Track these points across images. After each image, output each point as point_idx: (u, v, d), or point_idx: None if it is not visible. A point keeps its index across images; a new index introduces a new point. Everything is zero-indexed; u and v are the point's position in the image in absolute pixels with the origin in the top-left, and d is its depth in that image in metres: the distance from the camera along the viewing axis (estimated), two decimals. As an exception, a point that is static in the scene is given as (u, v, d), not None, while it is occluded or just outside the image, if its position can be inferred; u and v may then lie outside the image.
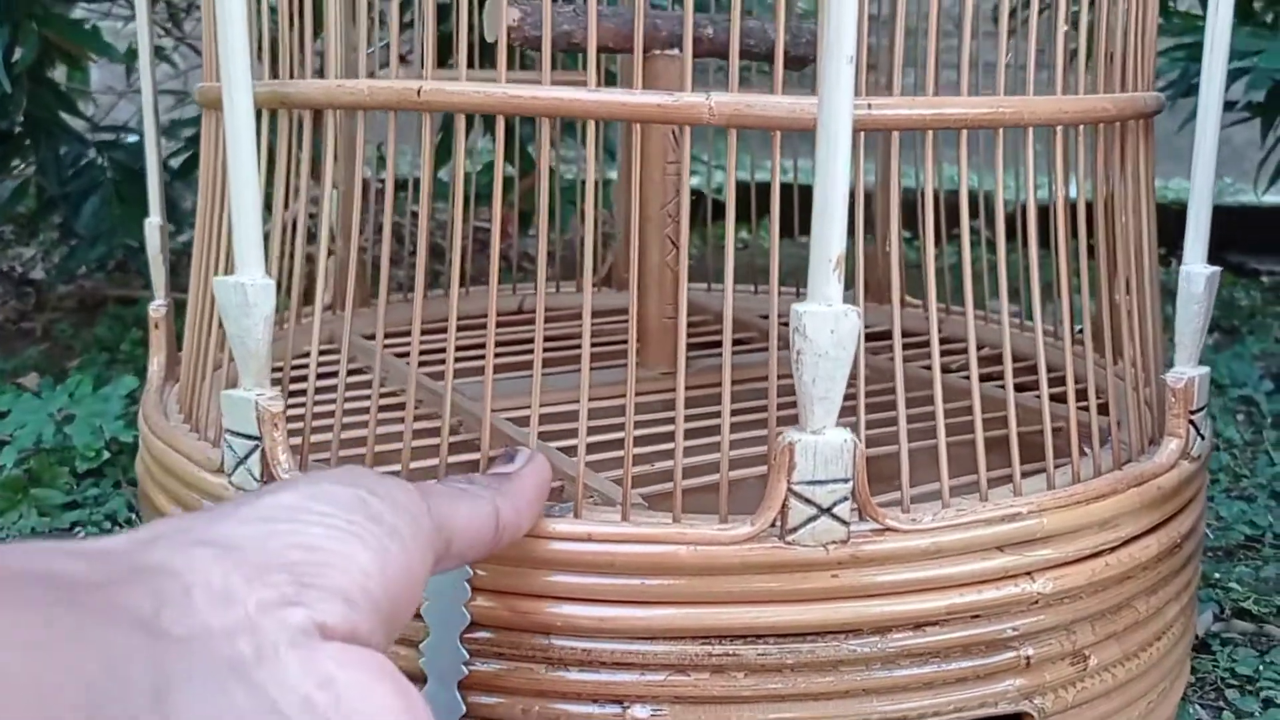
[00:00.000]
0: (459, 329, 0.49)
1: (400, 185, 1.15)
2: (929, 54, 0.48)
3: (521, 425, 0.60)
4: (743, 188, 0.97)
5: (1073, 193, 0.54)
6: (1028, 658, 0.48)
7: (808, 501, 0.44)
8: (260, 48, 0.55)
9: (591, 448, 0.52)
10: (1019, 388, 0.52)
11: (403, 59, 1.04)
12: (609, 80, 0.97)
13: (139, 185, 1.13)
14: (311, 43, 0.53)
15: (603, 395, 0.62)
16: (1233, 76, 0.92)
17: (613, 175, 1.10)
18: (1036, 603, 0.48)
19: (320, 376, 0.52)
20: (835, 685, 0.46)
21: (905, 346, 0.50)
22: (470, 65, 0.47)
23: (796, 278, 0.76)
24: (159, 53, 1.31)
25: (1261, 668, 0.67)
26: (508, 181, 1.06)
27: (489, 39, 0.58)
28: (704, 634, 0.45)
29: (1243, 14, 1.18)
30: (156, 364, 0.69)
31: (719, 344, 0.47)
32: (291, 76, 0.54)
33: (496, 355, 0.49)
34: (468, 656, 0.45)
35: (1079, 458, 0.52)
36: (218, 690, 0.25)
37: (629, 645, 0.45)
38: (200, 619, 0.26)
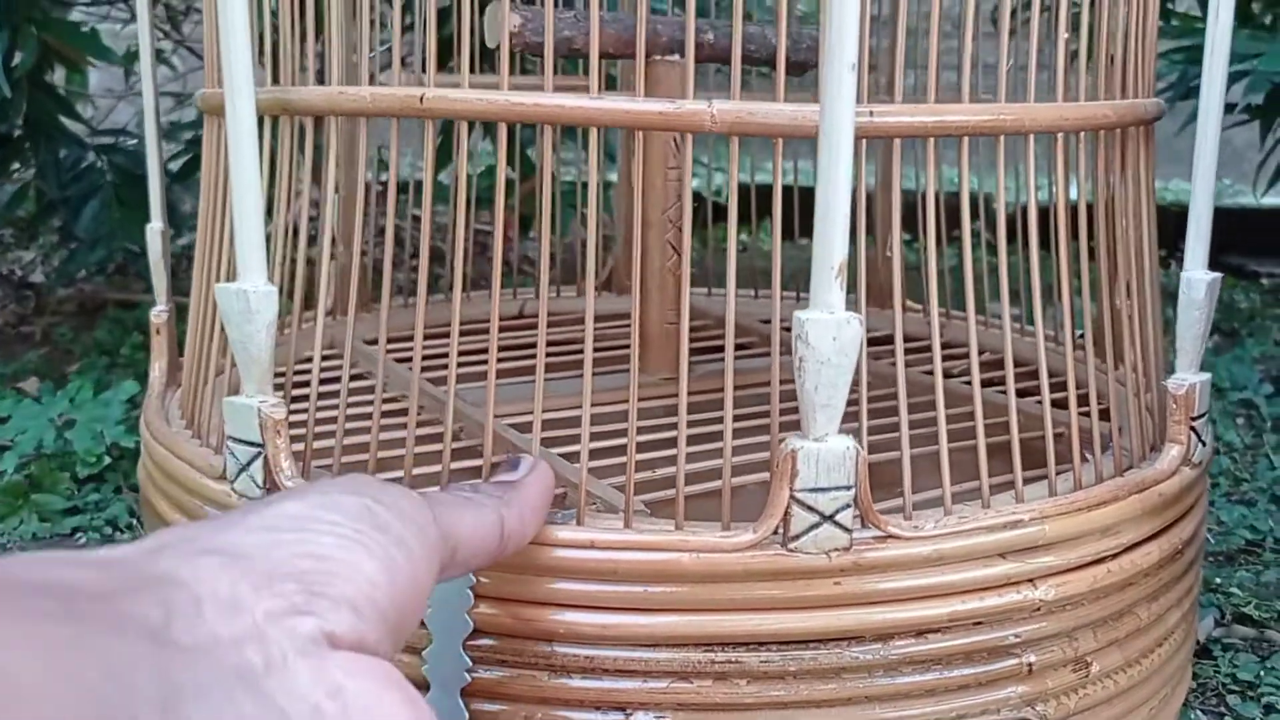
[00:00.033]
0: (460, 334, 0.49)
1: (400, 188, 1.15)
2: (930, 58, 0.48)
3: (524, 431, 0.60)
4: (742, 189, 0.97)
5: (1073, 195, 0.54)
6: (1030, 664, 0.48)
7: (810, 509, 0.44)
8: (261, 50, 0.54)
9: (593, 454, 0.52)
10: (1020, 393, 0.52)
11: (402, 61, 1.04)
12: (608, 83, 0.97)
13: (139, 188, 1.13)
14: (313, 45, 0.53)
15: (604, 401, 0.62)
16: (1232, 79, 0.92)
17: (613, 178, 1.10)
18: (1038, 609, 0.48)
19: (322, 382, 0.52)
20: (838, 692, 0.46)
21: (906, 351, 0.50)
22: (471, 67, 0.47)
23: (797, 280, 0.77)
24: (158, 55, 1.31)
25: (1263, 673, 0.67)
26: (508, 185, 1.06)
27: (490, 45, 0.58)
28: (707, 641, 0.45)
29: (1241, 16, 1.18)
30: (158, 369, 0.69)
31: (720, 349, 0.47)
32: (293, 81, 0.54)
33: (498, 360, 0.49)
34: (470, 663, 0.45)
35: (1080, 464, 0.52)
36: (227, 700, 0.25)
37: (632, 652, 0.45)
38: (208, 628, 0.26)
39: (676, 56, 0.63)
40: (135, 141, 1.25)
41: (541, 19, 0.54)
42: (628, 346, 0.53)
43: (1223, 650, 0.69)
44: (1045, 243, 0.54)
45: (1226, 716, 0.63)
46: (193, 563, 0.28)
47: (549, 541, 0.45)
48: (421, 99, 0.47)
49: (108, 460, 0.91)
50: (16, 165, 1.23)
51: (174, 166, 1.22)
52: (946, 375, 0.53)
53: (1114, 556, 0.50)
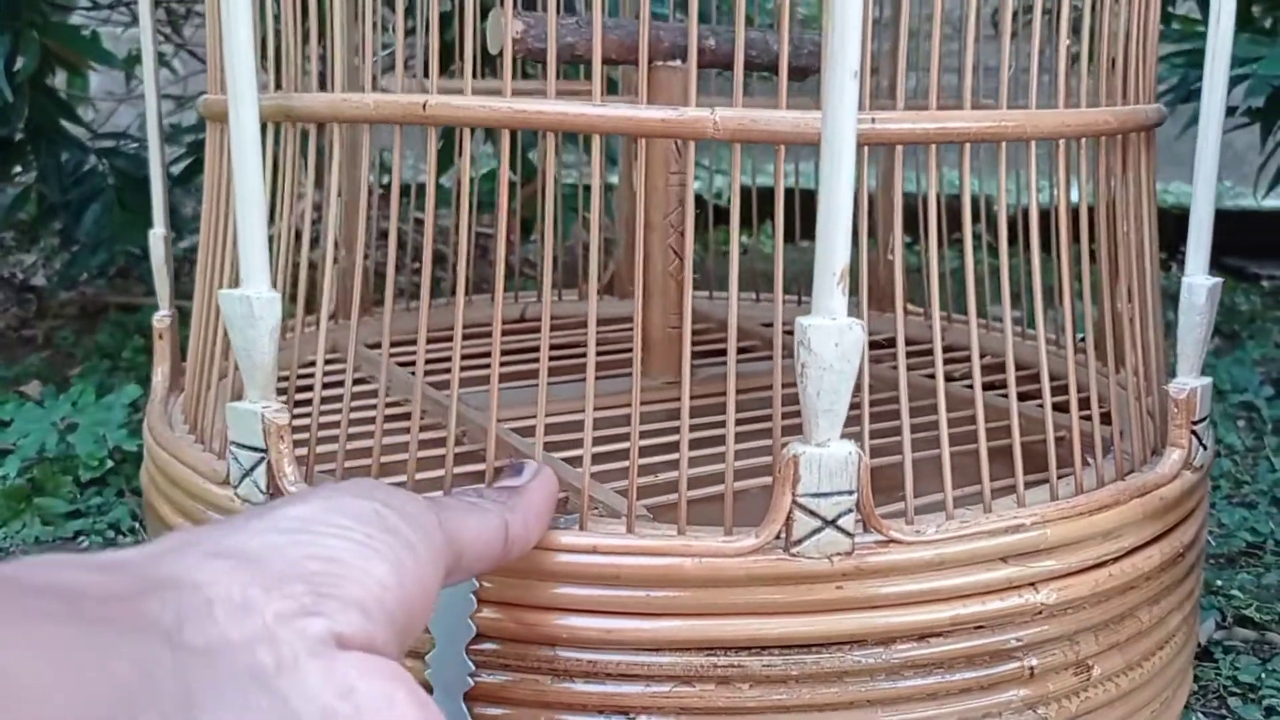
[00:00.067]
0: (462, 338, 0.50)
1: (402, 190, 1.15)
2: (932, 64, 0.49)
3: (526, 435, 0.60)
4: (743, 191, 0.97)
5: (1074, 198, 0.54)
6: (1031, 668, 0.48)
7: (812, 514, 0.44)
8: (264, 53, 0.55)
9: (596, 458, 0.52)
10: (1022, 396, 0.52)
11: (405, 64, 1.04)
12: (610, 87, 0.97)
13: (140, 192, 1.14)
14: (316, 48, 0.53)
15: (606, 405, 0.62)
16: (1233, 83, 0.92)
17: (614, 180, 1.10)
18: (1040, 613, 0.48)
19: (325, 386, 0.52)
20: (840, 696, 0.46)
21: (908, 355, 0.50)
22: (474, 71, 0.48)
23: (799, 283, 0.77)
24: (159, 58, 1.31)
25: (1264, 675, 0.67)
26: (510, 188, 1.06)
27: (492, 51, 0.58)
28: (709, 645, 0.45)
29: (1242, 19, 1.18)
30: (161, 374, 0.69)
31: (721, 352, 0.48)
32: (296, 84, 0.55)
33: (500, 364, 0.49)
34: (473, 668, 0.45)
35: (1082, 468, 0.52)
36: (240, 700, 0.26)
37: (634, 657, 0.45)
38: (220, 630, 0.27)
39: (678, 62, 0.63)
40: (136, 145, 1.26)
41: (543, 25, 0.54)
42: (630, 350, 0.53)
43: (1224, 653, 0.69)
44: (1046, 245, 0.54)
45: (1228, 719, 0.63)
46: (203, 565, 0.28)
47: (552, 546, 0.45)
48: (424, 106, 0.47)
49: (110, 464, 0.91)
50: (18, 169, 1.23)
51: (175, 170, 1.22)
52: (948, 379, 0.53)
53: (1115, 560, 0.51)
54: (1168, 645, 0.54)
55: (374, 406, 0.52)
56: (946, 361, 0.52)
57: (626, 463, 0.48)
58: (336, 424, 0.52)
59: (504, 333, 0.49)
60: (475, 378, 0.64)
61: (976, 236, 0.84)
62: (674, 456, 0.48)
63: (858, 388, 0.44)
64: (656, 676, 0.45)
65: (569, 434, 0.57)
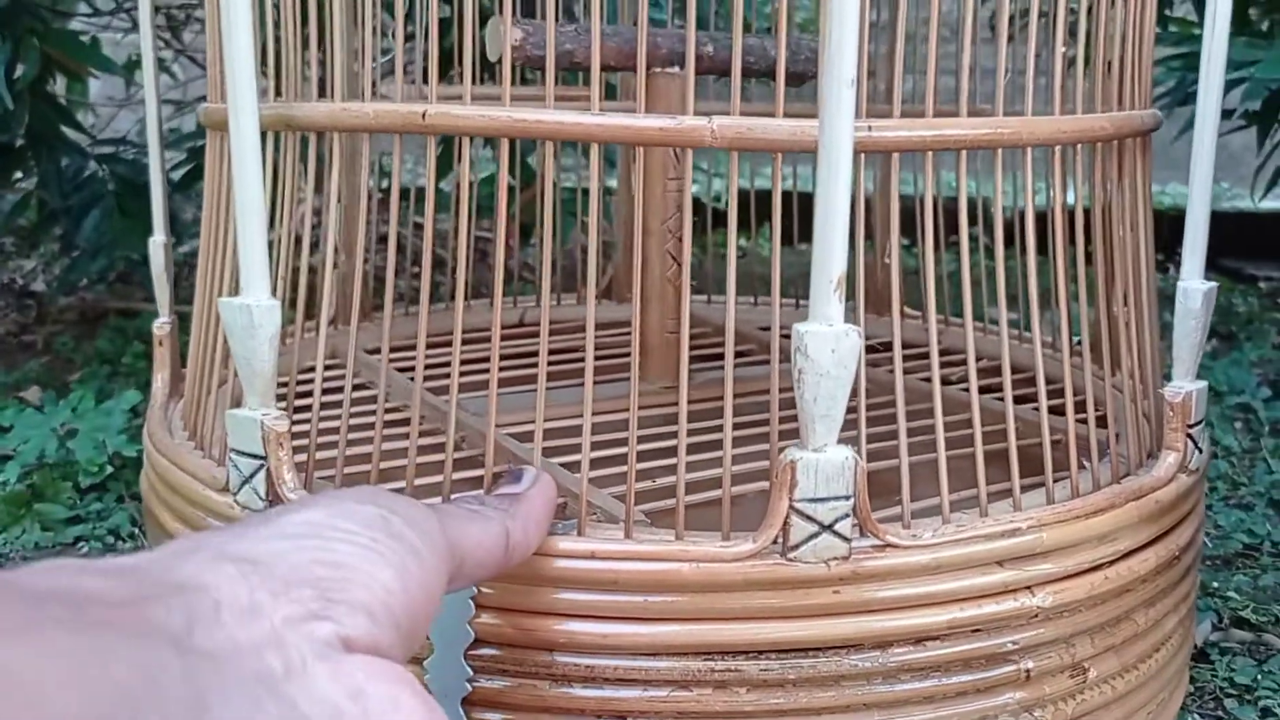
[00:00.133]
0: (461, 342, 0.50)
1: (401, 194, 1.15)
2: (929, 69, 0.49)
3: (524, 441, 0.60)
4: (742, 194, 0.97)
5: (1070, 200, 0.55)
6: (1027, 671, 0.49)
7: (809, 519, 0.44)
8: (263, 60, 0.55)
9: (594, 463, 0.52)
10: (1018, 400, 0.52)
11: (404, 69, 1.04)
12: (608, 92, 0.97)
13: (140, 198, 1.14)
14: (316, 54, 0.54)
15: (604, 410, 0.63)
16: (1230, 86, 0.92)
17: (612, 183, 1.10)
18: (1036, 617, 0.48)
19: (324, 392, 0.53)
20: (836, 700, 0.46)
21: (905, 359, 0.50)
22: (473, 76, 0.48)
23: (796, 286, 0.77)
24: (159, 64, 1.32)
25: (1260, 677, 0.67)
26: (509, 193, 1.06)
27: (491, 58, 0.58)
28: (706, 650, 0.46)
29: (1239, 22, 1.18)
30: (160, 381, 0.69)
31: (719, 356, 0.48)
32: (296, 90, 0.55)
33: (499, 369, 0.49)
34: (471, 673, 0.46)
35: (1078, 471, 0.53)
36: (250, 704, 0.26)
37: (632, 661, 0.45)
38: (228, 634, 0.27)
39: (676, 69, 0.64)
40: (136, 151, 1.26)
41: (542, 33, 0.54)
42: (628, 355, 0.53)
43: (1220, 654, 0.69)
44: (1043, 248, 0.54)
45: (1224, 721, 0.64)
46: (211, 570, 0.28)
47: (550, 552, 0.45)
48: (424, 115, 0.47)
49: (110, 469, 0.91)
50: (18, 175, 1.23)
51: (175, 175, 1.22)
52: (945, 382, 0.53)
53: (1111, 563, 0.51)
54: (1164, 647, 0.55)
55: (373, 412, 0.52)
56: (943, 365, 0.52)
57: (624, 468, 0.48)
58: (336, 430, 0.52)
59: (503, 337, 0.49)
60: (475, 383, 0.64)
61: (974, 239, 0.84)
62: (672, 461, 0.48)
63: (854, 392, 0.44)
64: (654, 681, 0.45)
65: (567, 439, 0.58)
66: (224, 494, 0.52)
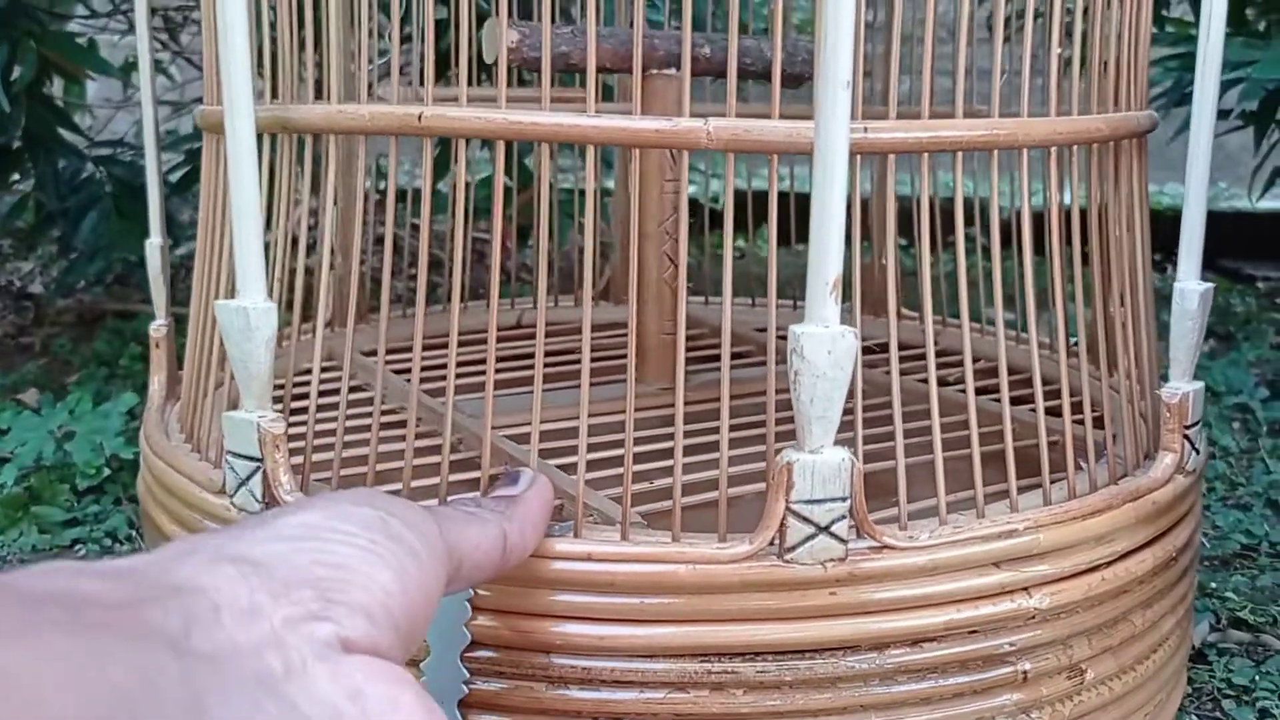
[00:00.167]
0: (458, 344, 0.50)
1: (399, 195, 1.15)
2: (925, 72, 0.49)
3: (521, 443, 0.60)
4: (739, 195, 0.97)
5: (1066, 199, 0.55)
6: (1024, 672, 0.48)
7: (806, 520, 0.44)
8: (260, 62, 0.55)
9: (591, 465, 0.52)
10: (1014, 401, 0.52)
11: (401, 70, 1.04)
12: (605, 93, 0.97)
13: (137, 200, 1.14)
14: (312, 57, 0.54)
15: (601, 411, 0.63)
16: (1227, 86, 0.92)
17: (609, 184, 1.10)
18: (1033, 618, 0.48)
19: (320, 394, 0.52)
20: (833, 701, 0.46)
21: (902, 360, 0.50)
22: (469, 77, 0.48)
23: (794, 286, 0.77)
24: (156, 66, 1.32)
25: (1258, 678, 0.67)
26: (506, 194, 1.06)
27: (488, 60, 0.58)
28: (703, 652, 0.45)
29: (1236, 22, 1.18)
30: (157, 383, 0.69)
31: (717, 358, 0.48)
32: (292, 92, 0.55)
33: (495, 371, 0.49)
34: (468, 675, 0.46)
35: (1075, 472, 0.53)
36: (250, 705, 0.26)
37: (629, 663, 0.45)
38: (228, 635, 0.27)
39: (673, 70, 0.64)
40: (134, 153, 1.26)
41: (539, 34, 0.54)
42: (624, 356, 0.53)
43: (1218, 655, 0.69)
44: (1040, 249, 0.54)
45: (1222, 722, 0.64)
46: (209, 571, 0.28)
47: (547, 554, 0.45)
48: (420, 117, 0.47)
49: (107, 472, 0.91)
50: (16, 177, 1.23)
51: (173, 177, 1.22)
52: (941, 383, 0.53)
53: (1108, 564, 0.51)
54: (1161, 648, 0.54)
55: (370, 414, 0.52)
56: (940, 366, 0.52)
57: (621, 469, 0.48)
58: (332, 432, 0.52)
59: (500, 339, 0.49)
60: (471, 384, 0.64)
61: (970, 240, 0.84)
62: (668, 463, 0.48)
63: (851, 393, 0.44)
64: (651, 683, 0.45)
65: (564, 441, 0.57)
66: (220, 496, 0.52)
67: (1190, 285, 0.56)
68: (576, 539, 0.46)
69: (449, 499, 0.47)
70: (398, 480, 0.51)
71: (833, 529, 0.45)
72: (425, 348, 0.51)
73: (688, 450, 0.48)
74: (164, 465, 0.58)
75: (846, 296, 0.45)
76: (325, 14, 0.51)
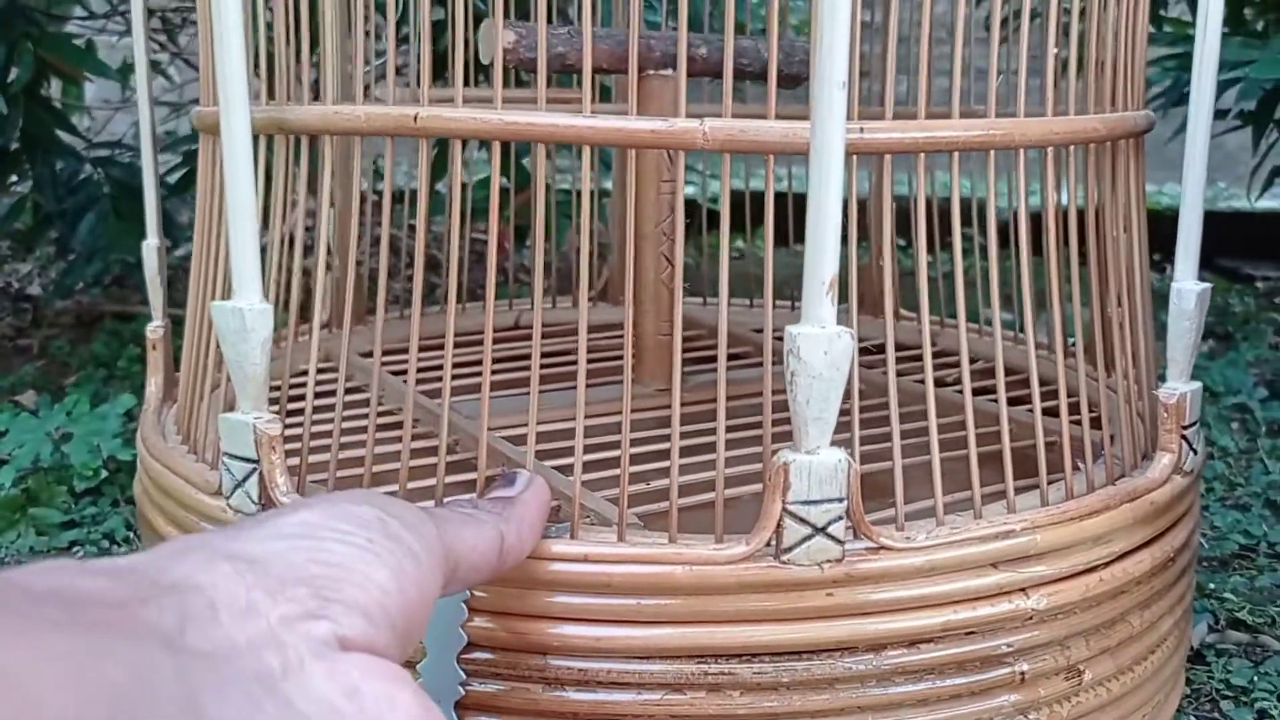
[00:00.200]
0: (455, 345, 0.50)
1: (396, 196, 1.15)
2: (921, 72, 0.49)
3: (518, 444, 0.60)
4: (737, 196, 0.97)
5: (1064, 200, 0.55)
6: (1022, 673, 0.48)
7: (802, 521, 0.44)
8: (256, 63, 0.55)
9: (587, 466, 0.52)
10: (1012, 401, 0.52)
11: (397, 70, 1.04)
12: (602, 94, 0.97)
13: (136, 201, 1.14)
14: (308, 59, 0.53)
15: (598, 412, 0.63)
16: (1225, 86, 0.92)
17: (607, 185, 1.10)
18: (1031, 619, 0.48)
19: (317, 395, 0.52)
20: (831, 703, 0.46)
21: (899, 360, 0.50)
22: (467, 75, 0.48)
23: (791, 286, 0.77)
24: (154, 66, 1.31)
25: (1256, 678, 0.67)
26: (503, 195, 1.06)
27: (484, 61, 0.58)
28: (700, 653, 0.45)
29: (1234, 22, 1.18)
30: (154, 385, 0.69)
31: (714, 359, 0.48)
32: (288, 93, 0.55)
33: (492, 372, 0.49)
34: (465, 677, 0.46)
35: (1072, 473, 0.53)
36: (247, 703, 0.26)
37: (625, 665, 0.45)
38: (225, 633, 0.27)
39: (669, 71, 0.64)
40: (132, 154, 1.26)
41: (535, 35, 0.54)
42: (621, 357, 0.53)
43: (1216, 656, 0.69)
44: (1037, 249, 0.54)
45: (1220, 722, 0.64)
46: (207, 570, 0.28)
47: (543, 555, 0.45)
48: (415, 118, 0.47)
49: (105, 473, 0.91)
50: (14, 178, 1.23)
51: (171, 179, 1.22)
52: (939, 384, 0.53)
53: (1106, 565, 0.51)
54: (1159, 649, 0.54)
55: (366, 416, 0.52)
56: (937, 367, 0.52)
57: (618, 471, 0.48)
58: (329, 433, 0.52)
59: (498, 340, 0.49)
60: (468, 385, 0.64)
61: (968, 240, 0.84)
62: (665, 464, 0.48)
63: (848, 394, 0.44)
64: (647, 684, 0.45)
65: (561, 442, 0.57)
66: (216, 498, 0.52)
67: (1187, 285, 0.56)
68: (573, 540, 0.46)
69: (446, 500, 0.47)
70: (394, 481, 0.51)
71: (829, 530, 0.45)
72: (422, 349, 0.51)
73: (684, 451, 0.48)
74: (161, 467, 0.58)
75: (843, 297, 0.45)
76: (321, 15, 0.51)
